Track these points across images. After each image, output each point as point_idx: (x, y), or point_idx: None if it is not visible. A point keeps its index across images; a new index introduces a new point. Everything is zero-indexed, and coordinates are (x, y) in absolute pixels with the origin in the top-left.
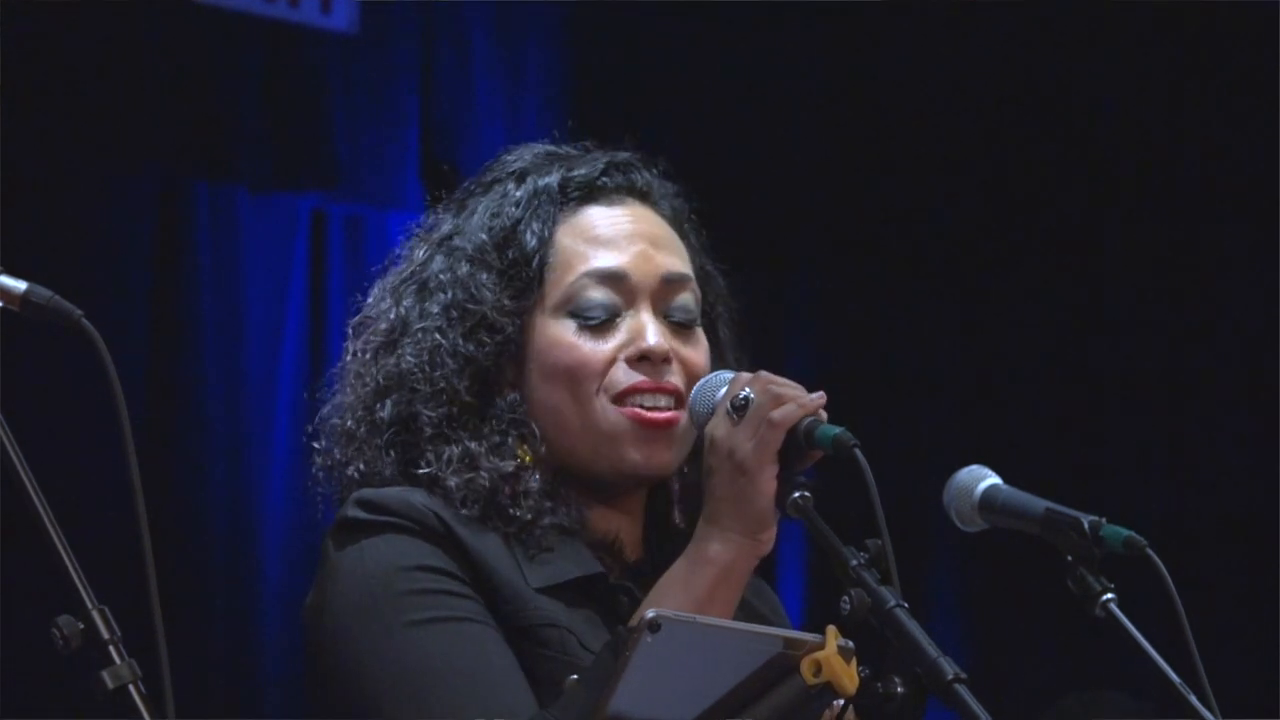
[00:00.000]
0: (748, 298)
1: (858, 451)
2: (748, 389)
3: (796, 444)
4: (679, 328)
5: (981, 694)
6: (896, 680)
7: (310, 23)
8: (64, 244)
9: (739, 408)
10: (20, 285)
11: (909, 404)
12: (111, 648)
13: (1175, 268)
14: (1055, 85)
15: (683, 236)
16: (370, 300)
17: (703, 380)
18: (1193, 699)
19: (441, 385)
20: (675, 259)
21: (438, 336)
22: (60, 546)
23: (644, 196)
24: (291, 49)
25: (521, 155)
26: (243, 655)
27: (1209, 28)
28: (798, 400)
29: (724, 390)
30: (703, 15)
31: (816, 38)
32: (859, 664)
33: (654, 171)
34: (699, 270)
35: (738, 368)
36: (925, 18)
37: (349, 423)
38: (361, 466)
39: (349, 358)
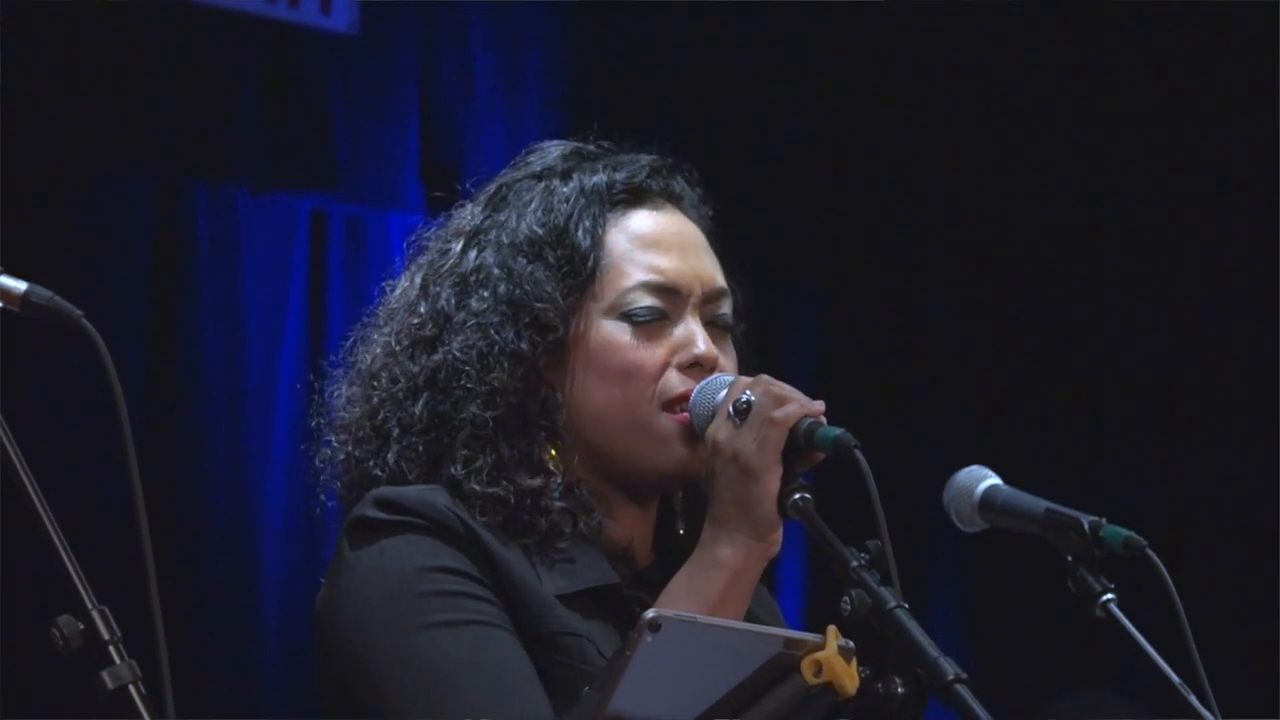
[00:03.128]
0: (748, 300)
1: (858, 452)
2: (749, 391)
3: (797, 445)
4: (720, 333)
5: (981, 694)
6: (897, 680)
7: (310, 23)
8: (64, 244)
9: (741, 410)
10: (20, 285)
11: (909, 405)
12: (111, 648)
13: (1175, 268)
14: (1055, 86)
15: (712, 247)
16: (397, 293)
17: (702, 384)
18: (1193, 699)
19: (496, 385)
20: (715, 271)
21: (493, 334)
22: (60, 546)
23: (680, 201)
24: (291, 49)
25: (550, 151)
26: (243, 655)
27: (1209, 28)
28: (799, 400)
29: (724, 394)
30: (703, 15)
31: (817, 39)
32: (859, 664)
33: (686, 176)
34: (727, 282)
35: None
36: (925, 19)
37: (379, 418)
38: (389, 462)
39: (377, 350)
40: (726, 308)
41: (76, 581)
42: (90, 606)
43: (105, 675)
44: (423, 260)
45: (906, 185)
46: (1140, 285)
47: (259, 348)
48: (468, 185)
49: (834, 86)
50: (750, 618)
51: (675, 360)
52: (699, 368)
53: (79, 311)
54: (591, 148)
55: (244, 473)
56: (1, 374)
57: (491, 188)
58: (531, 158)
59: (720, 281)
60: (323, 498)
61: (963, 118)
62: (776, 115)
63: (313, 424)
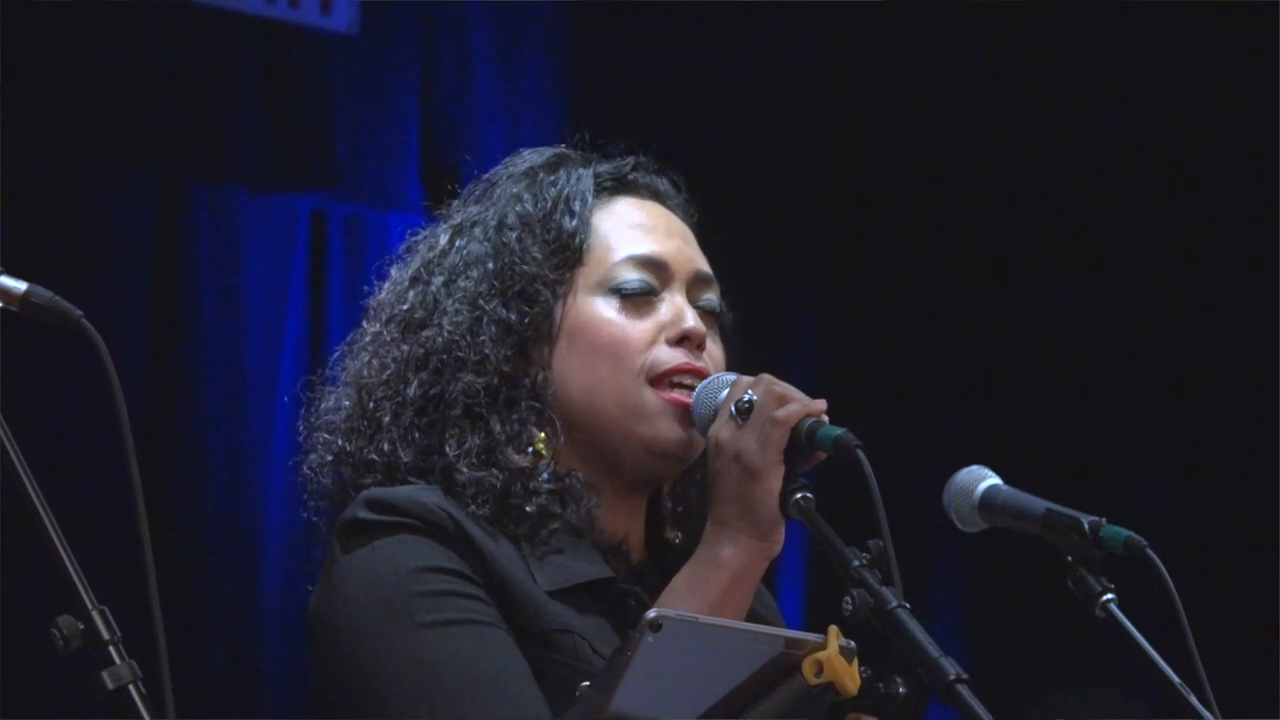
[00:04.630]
0: (748, 299)
1: (860, 452)
2: (751, 391)
3: (799, 445)
4: (708, 316)
5: (982, 694)
6: (898, 680)
7: (310, 23)
8: (64, 244)
9: (743, 410)
10: (20, 285)
11: (909, 404)
12: (111, 648)
13: (1175, 267)
14: (1055, 85)
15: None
16: (387, 285)
17: (704, 383)
18: (1193, 699)
19: (486, 353)
20: (703, 260)
21: (481, 303)
22: (60, 546)
23: (665, 199)
24: (291, 49)
25: (539, 153)
26: (243, 655)
27: (1209, 28)
28: (801, 400)
29: (725, 393)
30: (703, 16)
31: (816, 38)
32: (861, 664)
33: (672, 180)
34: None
35: None
36: (925, 17)
37: (370, 406)
38: (385, 447)
39: (366, 339)
40: (714, 295)
41: (76, 581)
42: (90, 606)
43: (105, 675)
44: (411, 258)
45: (907, 186)
46: (1141, 284)
47: (259, 348)
48: (455, 186)
49: (834, 86)
50: (751, 616)
51: (664, 334)
52: (688, 341)
53: (79, 311)
54: (576, 153)
55: (244, 472)
56: (1, 374)
57: (479, 187)
58: (518, 159)
59: (707, 269)
60: (311, 505)
61: (963, 117)
62: (776, 114)
63: (302, 432)
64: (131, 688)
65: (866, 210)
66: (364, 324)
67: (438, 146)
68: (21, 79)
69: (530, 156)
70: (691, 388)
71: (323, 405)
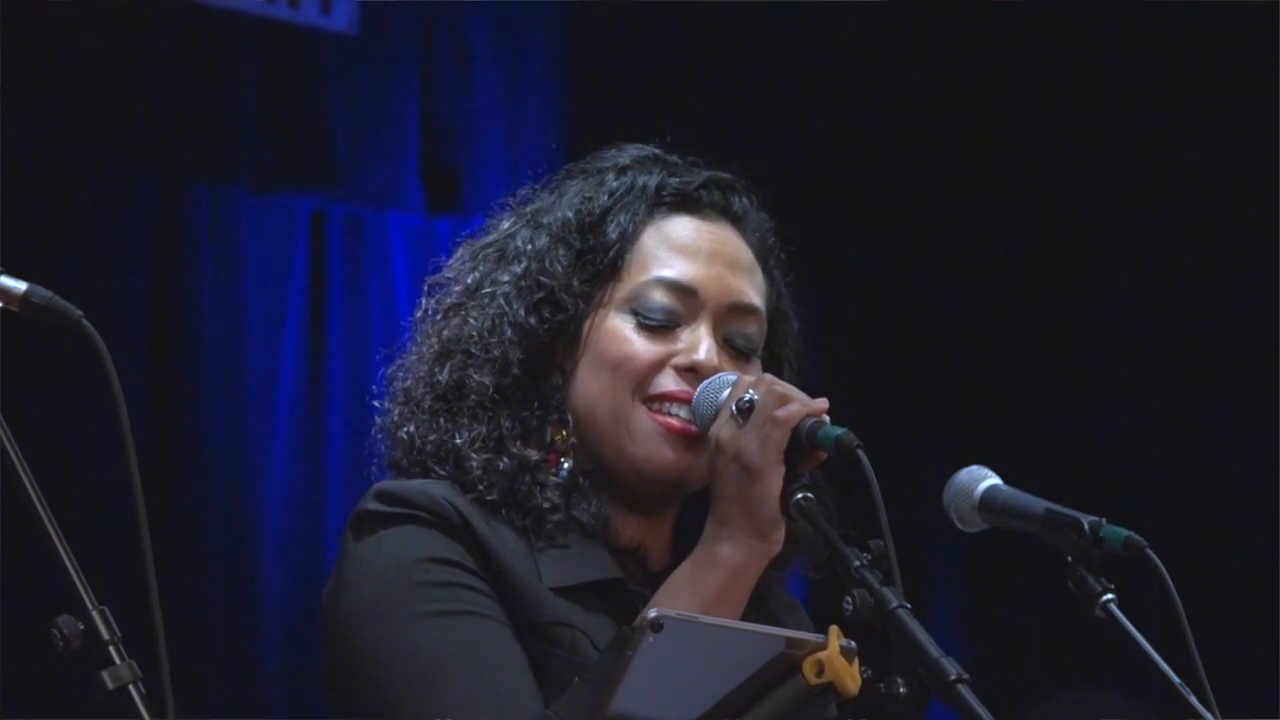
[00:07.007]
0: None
1: (860, 452)
2: (751, 391)
3: (799, 445)
4: (736, 354)
5: (982, 694)
6: (899, 681)
7: (310, 23)
8: (64, 244)
9: (744, 410)
10: (20, 285)
11: (909, 405)
12: (111, 648)
13: (1175, 267)
14: (1055, 85)
15: (765, 271)
16: (452, 261)
17: (705, 383)
18: (1193, 699)
19: (496, 354)
20: (749, 288)
21: (502, 303)
22: (60, 546)
23: (736, 220)
24: (291, 49)
25: (628, 152)
26: (243, 655)
27: (1209, 28)
28: (801, 400)
29: (727, 393)
30: (703, 15)
31: (817, 37)
32: (861, 664)
33: (753, 200)
34: (773, 308)
35: None
36: (925, 18)
37: (408, 381)
38: (412, 428)
39: (419, 314)
40: (751, 328)
41: (76, 581)
42: (90, 606)
43: (105, 675)
44: (480, 236)
45: (907, 184)
46: (1140, 285)
47: (259, 347)
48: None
49: (834, 86)
50: (774, 622)
51: (674, 361)
52: (694, 374)
53: (79, 312)
54: (673, 158)
55: (244, 472)
56: (1, 374)
57: (558, 175)
58: (606, 151)
59: (749, 298)
60: (374, 468)
61: (963, 118)
62: (776, 114)
63: (373, 389)
64: (131, 688)
65: (867, 209)
66: (422, 299)
67: (438, 147)
68: (21, 79)
69: (614, 154)
70: (679, 415)
71: (390, 370)
